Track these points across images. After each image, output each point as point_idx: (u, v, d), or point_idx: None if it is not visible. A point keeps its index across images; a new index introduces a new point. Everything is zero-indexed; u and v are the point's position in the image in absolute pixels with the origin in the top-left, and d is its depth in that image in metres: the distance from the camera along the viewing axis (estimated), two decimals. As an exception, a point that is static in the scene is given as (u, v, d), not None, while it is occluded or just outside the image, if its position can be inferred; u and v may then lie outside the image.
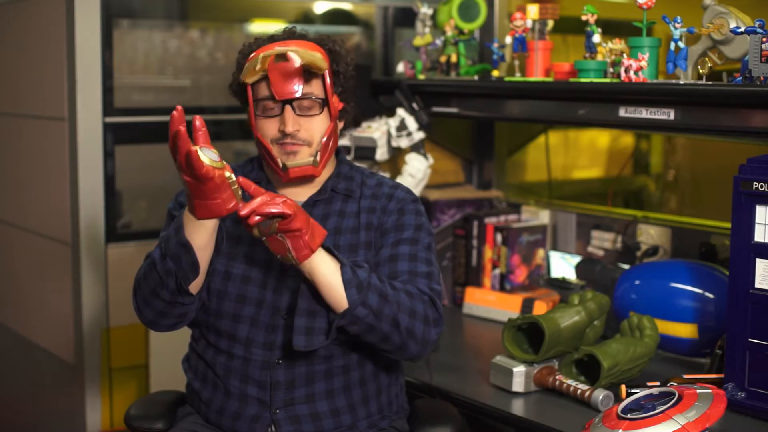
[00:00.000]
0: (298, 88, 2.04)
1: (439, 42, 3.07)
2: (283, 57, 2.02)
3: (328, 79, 2.07)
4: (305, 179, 2.11)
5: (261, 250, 2.06)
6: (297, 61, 2.02)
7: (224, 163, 1.82)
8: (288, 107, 2.04)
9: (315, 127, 2.07)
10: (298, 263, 1.88)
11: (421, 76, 3.10)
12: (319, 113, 2.08)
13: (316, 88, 2.07)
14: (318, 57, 2.04)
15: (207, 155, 1.79)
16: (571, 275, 3.07)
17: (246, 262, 2.08)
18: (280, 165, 2.07)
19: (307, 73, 2.05)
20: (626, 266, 2.85)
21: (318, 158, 2.07)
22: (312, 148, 2.07)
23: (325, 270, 1.90)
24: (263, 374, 2.06)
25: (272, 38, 2.12)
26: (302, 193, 2.14)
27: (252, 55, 2.09)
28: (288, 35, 2.13)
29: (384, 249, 2.10)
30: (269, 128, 2.07)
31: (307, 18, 3.70)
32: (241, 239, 2.10)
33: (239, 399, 2.08)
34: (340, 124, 2.17)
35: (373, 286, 1.93)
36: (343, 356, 2.09)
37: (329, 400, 2.08)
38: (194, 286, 1.96)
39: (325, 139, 2.07)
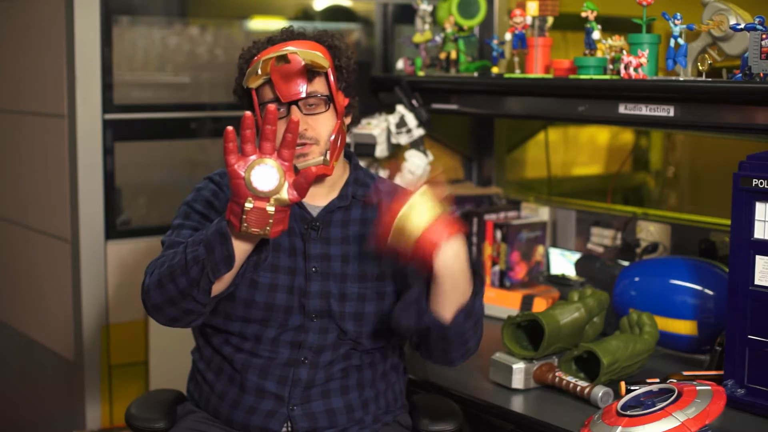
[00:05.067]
0: (302, 88, 2.02)
1: (438, 39, 3.07)
2: (284, 59, 2.00)
3: (331, 76, 2.06)
4: (317, 179, 2.09)
5: (284, 257, 2.07)
6: (299, 62, 2.00)
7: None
8: (294, 107, 2.03)
9: (322, 125, 2.05)
10: None
11: (421, 73, 3.10)
12: (325, 111, 2.06)
13: (320, 85, 2.06)
14: (319, 55, 2.02)
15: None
16: (570, 272, 3.07)
17: (271, 270, 2.07)
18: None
19: (310, 72, 2.03)
20: (626, 263, 2.85)
21: (327, 157, 2.06)
22: (321, 146, 2.05)
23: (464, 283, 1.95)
24: (286, 370, 2.08)
25: (270, 41, 2.10)
26: (321, 198, 2.13)
27: (253, 59, 2.07)
28: (286, 36, 2.11)
29: None
30: (278, 130, 2.05)
31: (307, 15, 3.70)
32: None
33: (255, 393, 2.08)
34: (347, 120, 2.15)
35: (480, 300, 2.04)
36: (360, 356, 2.12)
37: (344, 396, 2.10)
38: (216, 288, 1.90)
39: (333, 137, 2.06)
